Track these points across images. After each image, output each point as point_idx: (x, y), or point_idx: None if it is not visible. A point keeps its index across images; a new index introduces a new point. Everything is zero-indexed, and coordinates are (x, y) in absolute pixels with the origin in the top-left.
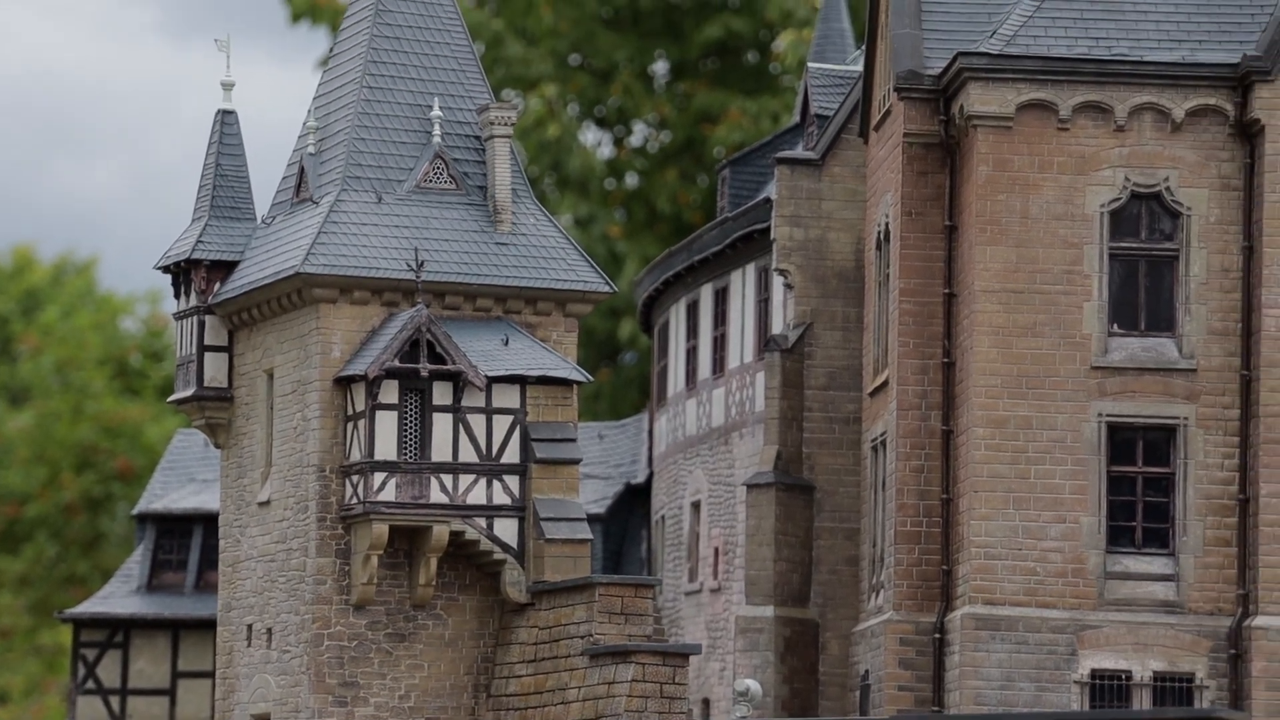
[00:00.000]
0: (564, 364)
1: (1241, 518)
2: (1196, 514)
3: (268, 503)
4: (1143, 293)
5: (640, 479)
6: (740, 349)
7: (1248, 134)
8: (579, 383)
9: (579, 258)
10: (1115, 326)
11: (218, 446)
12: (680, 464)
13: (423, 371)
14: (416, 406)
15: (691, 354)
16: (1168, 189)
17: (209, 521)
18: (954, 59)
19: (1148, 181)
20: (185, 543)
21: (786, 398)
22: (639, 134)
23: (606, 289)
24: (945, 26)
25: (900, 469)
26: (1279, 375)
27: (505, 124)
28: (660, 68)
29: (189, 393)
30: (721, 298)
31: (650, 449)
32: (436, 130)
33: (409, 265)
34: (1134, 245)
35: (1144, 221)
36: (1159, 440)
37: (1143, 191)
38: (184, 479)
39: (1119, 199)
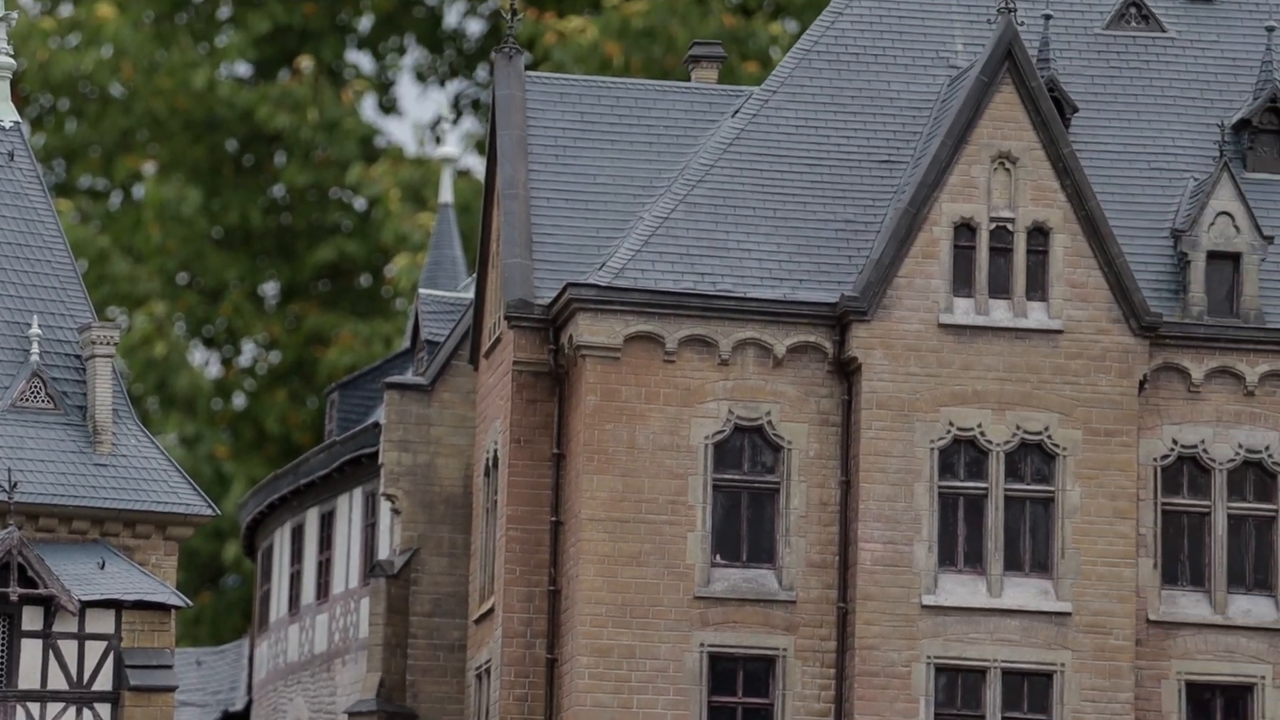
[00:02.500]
0: (162, 588)
1: None
2: None
3: None
4: (745, 524)
5: (239, 706)
6: (345, 574)
7: (845, 371)
8: (178, 607)
9: (181, 480)
10: (718, 557)
11: None
12: (281, 691)
13: (12, 595)
14: (4, 632)
15: (295, 578)
16: (769, 423)
17: None
18: (563, 289)
19: (750, 415)
20: None
21: (391, 624)
22: (248, 354)
23: (209, 512)
24: (556, 257)
25: (504, 698)
26: (874, 608)
27: (107, 343)
28: (271, 288)
29: None
30: (328, 522)
31: (250, 675)
32: (35, 348)
33: (1, 486)
34: (737, 477)
35: (747, 454)
36: (759, 671)
37: (745, 424)
38: None
39: (723, 431)
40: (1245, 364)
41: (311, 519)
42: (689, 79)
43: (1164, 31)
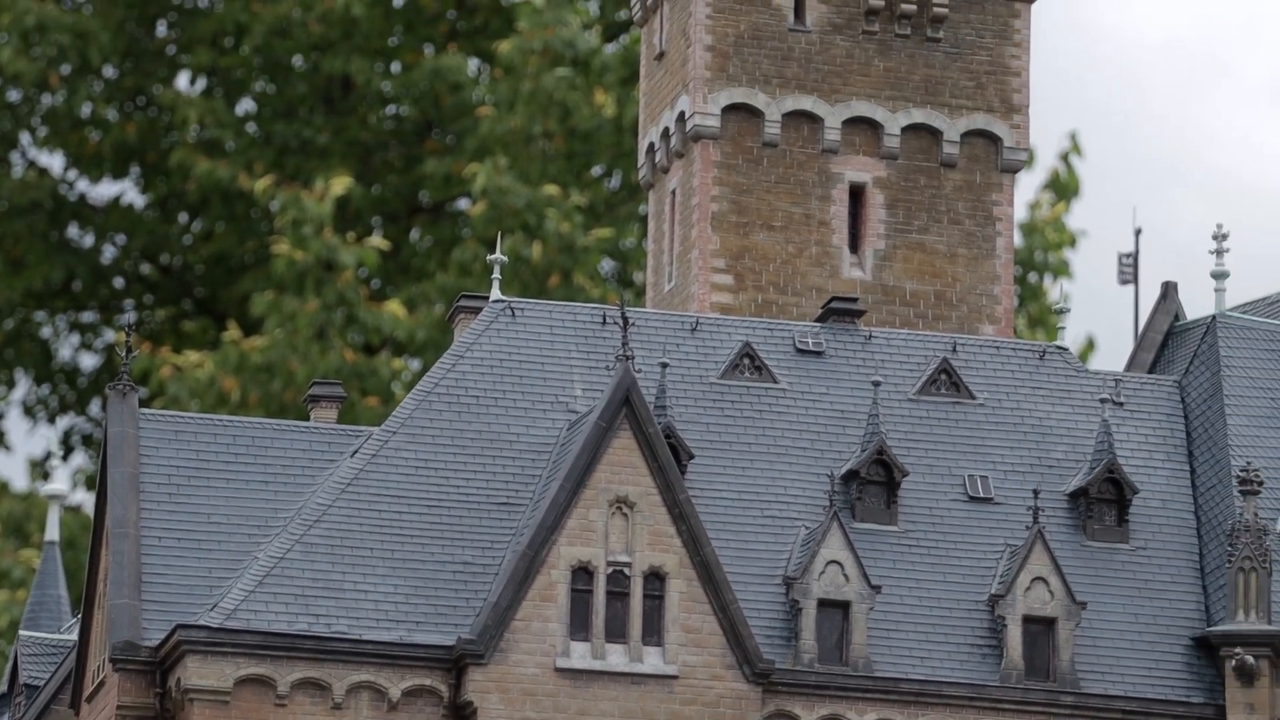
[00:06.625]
0: None
1: None
2: None
3: None
4: None
5: None
6: None
7: (461, 715)
8: None
9: None
10: None
11: None
12: None
13: None
14: None
15: None
16: None
17: None
18: (173, 631)
19: None
20: None
21: None
22: None
23: None
24: (166, 597)
25: None
26: None
27: None
28: None
29: None
30: None
31: None
32: None
33: None
34: None
35: None
36: None
37: None
38: None
39: None
40: (855, 712)
41: None
42: (308, 416)
43: (776, 382)
